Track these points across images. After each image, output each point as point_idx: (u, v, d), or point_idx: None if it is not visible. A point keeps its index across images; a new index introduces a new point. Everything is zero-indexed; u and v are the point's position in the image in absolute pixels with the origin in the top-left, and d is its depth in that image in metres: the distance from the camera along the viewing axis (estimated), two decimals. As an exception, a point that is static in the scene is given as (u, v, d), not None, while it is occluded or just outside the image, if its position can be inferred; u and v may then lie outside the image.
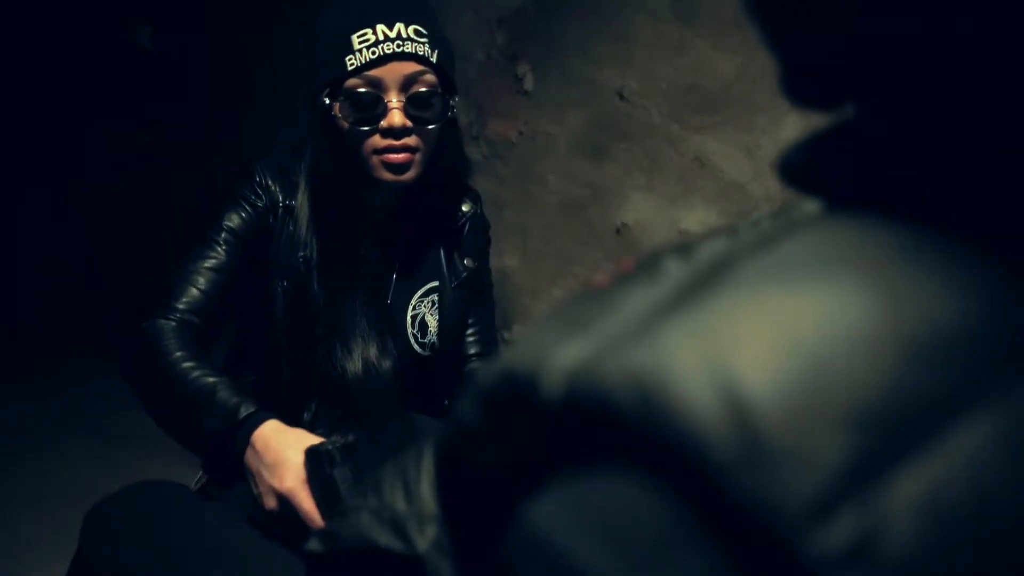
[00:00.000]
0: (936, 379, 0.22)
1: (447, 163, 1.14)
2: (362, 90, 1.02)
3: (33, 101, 3.32)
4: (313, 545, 0.45)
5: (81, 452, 2.10)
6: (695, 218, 1.66)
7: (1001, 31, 0.24)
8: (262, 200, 1.11)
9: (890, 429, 0.21)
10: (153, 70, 3.32)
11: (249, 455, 0.96)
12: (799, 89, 0.31)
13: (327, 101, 1.05)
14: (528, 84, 1.93)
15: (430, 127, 1.06)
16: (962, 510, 0.21)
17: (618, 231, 1.79)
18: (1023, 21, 0.23)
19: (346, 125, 1.04)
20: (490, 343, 1.29)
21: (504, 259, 2.03)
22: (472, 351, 1.27)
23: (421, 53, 1.03)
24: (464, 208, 1.24)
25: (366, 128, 1.04)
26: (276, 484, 0.93)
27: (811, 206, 0.31)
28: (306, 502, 0.91)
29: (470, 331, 1.28)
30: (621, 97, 1.74)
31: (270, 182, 1.12)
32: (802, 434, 0.21)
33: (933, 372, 0.22)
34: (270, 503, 0.94)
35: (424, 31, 1.04)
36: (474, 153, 2.08)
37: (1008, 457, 0.21)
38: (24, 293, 3.28)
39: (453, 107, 1.09)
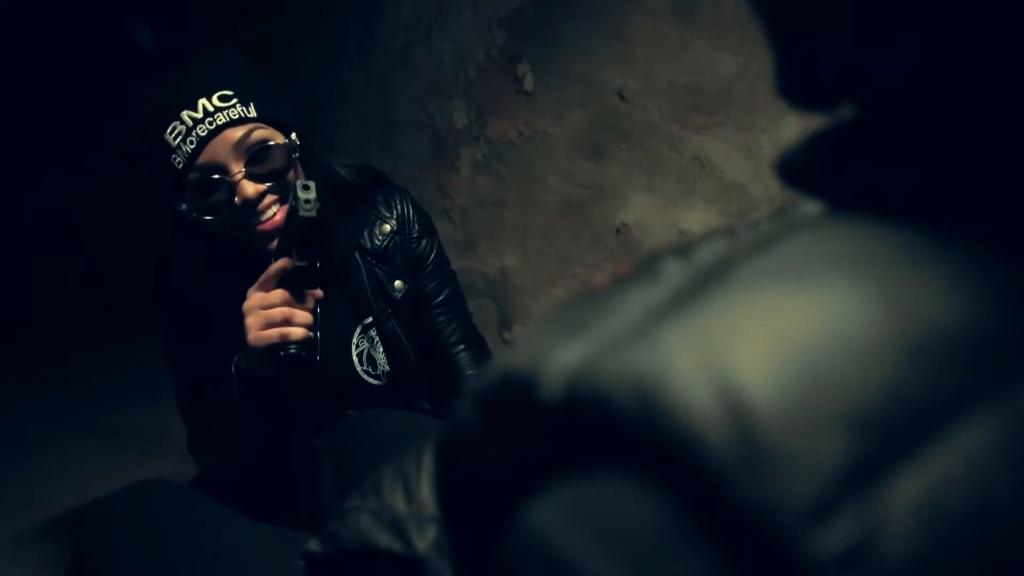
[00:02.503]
0: (935, 380, 0.22)
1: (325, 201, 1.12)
2: (201, 180, 1.00)
3: (33, 102, 3.32)
4: (313, 546, 0.45)
5: (81, 452, 2.09)
6: (695, 218, 1.66)
7: (1000, 32, 0.24)
8: (185, 301, 1.13)
9: (889, 430, 0.21)
10: (153, 70, 3.31)
11: (248, 354, 1.01)
12: (798, 89, 0.31)
13: (178, 208, 1.02)
14: (528, 84, 1.92)
15: (283, 179, 1.03)
16: (961, 511, 0.21)
17: (618, 231, 1.79)
18: (1021, 23, 0.23)
19: (204, 220, 1.02)
20: (464, 331, 1.28)
21: (504, 259, 2.03)
22: (452, 344, 1.26)
23: (236, 116, 1.00)
24: (386, 229, 1.20)
25: (224, 213, 1.01)
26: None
27: (811, 207, 0.31)
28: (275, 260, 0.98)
29: (443, 330, 1.26)
30: (621, 97, 1.74)
31: (182, 278, 1.14)
32: (801, 435, 0.21)
33: (932, 373, 0.22)
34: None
35: (229, 92, 1.01)
36: (474, 153, 2.08)
37: (1007, 458, 0.21)
38: (24, 293, 3.29)
39: (296, 145, 1.05)
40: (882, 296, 0.23)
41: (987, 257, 0.24)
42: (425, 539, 0.38)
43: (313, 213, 0.93)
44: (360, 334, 1.20)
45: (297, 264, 0.97)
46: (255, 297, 0.99)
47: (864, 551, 0.20)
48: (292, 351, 0.97)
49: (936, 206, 0.26)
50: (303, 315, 0.98)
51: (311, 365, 1.01)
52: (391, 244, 1.21)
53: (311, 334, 0.99)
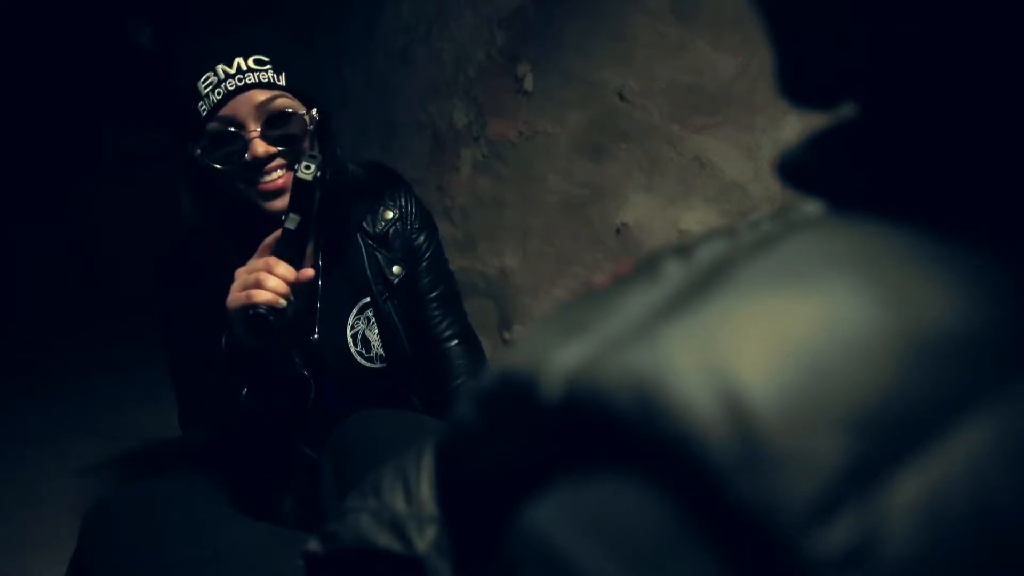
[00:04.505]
0: (936, 380, 0.22)
1: (332, 176, 1.15)
2: (219, 130, 1.05)
3: (33, 102, 3.32)
4: (313, 546, 0.45)
5: (81, 452, 2.09)
6: (695, 218, 1.66)
7: (1001, 32, 0.24)
8: (184, 287, 1.16)
9: (889, 431, 0.21)
10: (153, 70, 3.32)
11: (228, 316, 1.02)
12: (799, 88, 0.31)
13: (192, 152, 1.07)
14: (528, 84, 1.92)
15: (296, 147, 1.07)
16: (962, 512, 0.21)
17: (618, 231, 1.79)
18: (1022, 22, 0.23)
19: (214, 168, 1.06)
20: (459, 327, 1.31)
21: (504, 259, 2.03)
22: (445, 339, 1.29)
23: (265, 80, 1.05)
24: (388, 215, 1.24)
25: (233, 166, 1.06)
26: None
27: (811, 207, 0.31)
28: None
29: (437, 325, 1.28)
30: (621, 97, 1.74)
31: (179, 266, 1.18)
32: (801, 436, 0.21)
33: (933, 373, 0.22)
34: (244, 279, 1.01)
35: (266, 59, 1.06)
36: (474, 153, 2.08)
37: (1008, 458, 0.21)
38: (24, 293, 3.29)
39: (314, 121, 1.10)
40: (882, 296, 0.23)
41: (987, 257, 0.24)
42: (425, 539, 0.38)
43: (309, 177, 0.98)
44: (357, 315, 1.22)
45: (286, 227, 1.00)
46: (248, 264, 1.02)
47: (864, 551, 0.20)
48: (260, 311, 0.98)
49: (936, 206, 0.26)
50: (276, 281, 0.99)
51: (279, 331, 1.01)
52: (392, 230, 1.24)
53: (281, 300, 0.99)
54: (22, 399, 2.49)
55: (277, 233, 1.01)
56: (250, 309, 0.98)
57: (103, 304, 3.25)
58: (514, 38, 1.95)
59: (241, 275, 1.01)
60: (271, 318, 0.98)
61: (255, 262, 1.01)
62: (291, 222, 1.00)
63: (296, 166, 1.00)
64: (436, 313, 1.28)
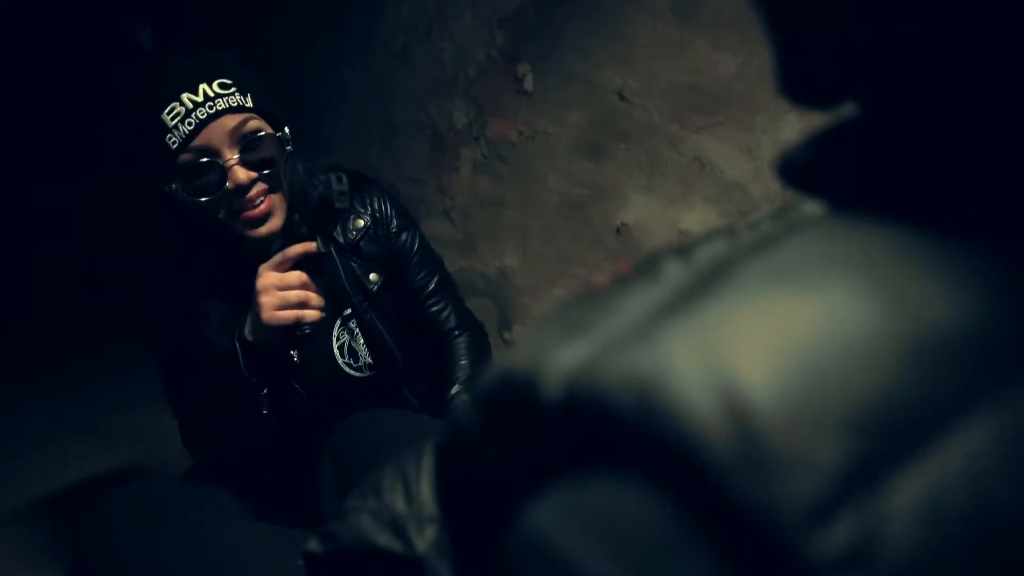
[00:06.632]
0: (936, 381, 0.22)
1: (296, 194, 1.14)
2: (193, 162, 1.01)
3: (33, 102, 3.32)
4: (313, 546, 0.45)
5: (81, 452, 2.09)
6: (695, 218, 1.66)
7: (1001, 32, 0.24)
8: (169, 289, 1.16)
9: (889, 431, 0.21)
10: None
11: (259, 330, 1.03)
12: (799, 87, 0.31)
13: (166, 188, 1.03)
14: (528, 84, 1.92)
15: (274, 169, 1.06)
16: (961, 513, 0.21)
17: (618, 231, 1.79)
18: (1021, 22, 0.23)
19: (193, 201, 1.03)
20: (459, 316, 1.31)
21: (504, 259, 2.02)
22: (449, 331, 1.29)
23: (235, 104, 1.02)
24: (360, 224, 1.22)
25: (213, 197, 1.02)
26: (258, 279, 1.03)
27: (811, 207, 0.31)
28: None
29: (438, 315, 1.29)
30: (621, 97, 1.74)
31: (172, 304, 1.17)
32: (801, 437, 0.21)
33: (933, 374, 0.22)
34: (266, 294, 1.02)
35: (229, 81, 1.04)
36: (474, 153, 2.08)
37: (1007, 459, 0.21)
38: (24, 293, 3.28)
39: (288, 138, 1.08)
40: (883, 297, 0.23)
41: (987, 257, 0.24)
42: (425, 539, 0.38)
43: (346, 204, 1.04)
44: (340, 327, 1.22)
45: (322, 251, 1.04)
46: (272, 276, 1.02)
47: (864, 552, 0.20)
48: (307, 332, 1.03)
49: (936, 206, 0.26)
50: (318, 298, 1.03)
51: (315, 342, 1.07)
52: (365, 238, 1.23)
53: (324, 315, 1.04)
54: (22, 399, 2.49)
55: (303, 247, 1.02)
56: (298, 330, 1.01)
57: (103, 304, 3.25)
58: (514, 38, 1.95)
59: (274, 292, 1.01)
60: (316, 335, 1.04)
61: (287, 277, 1.01)
62: (322, 245, 1.04)
63: (323, 191, 1.02)
64: (435, 308, 1.28)
